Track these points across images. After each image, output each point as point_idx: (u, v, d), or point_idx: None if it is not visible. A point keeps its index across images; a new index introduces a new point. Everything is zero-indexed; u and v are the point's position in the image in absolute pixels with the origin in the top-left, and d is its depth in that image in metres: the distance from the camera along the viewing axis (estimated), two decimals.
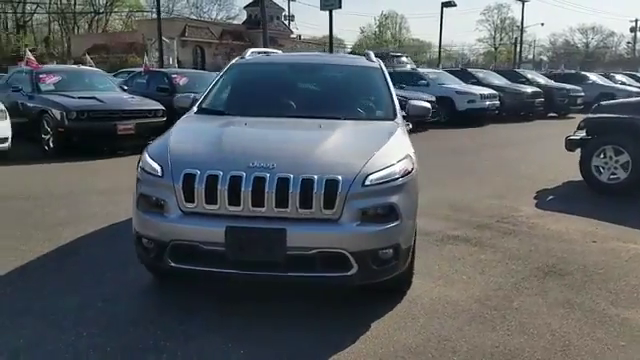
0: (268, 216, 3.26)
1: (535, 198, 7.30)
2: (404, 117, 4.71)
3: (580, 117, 9.47)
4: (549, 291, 4.17)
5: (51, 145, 10.05)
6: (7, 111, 9.53)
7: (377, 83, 4.95)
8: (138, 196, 3.58)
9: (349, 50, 53.82)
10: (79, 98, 10.20)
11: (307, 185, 3.23)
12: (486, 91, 17.64)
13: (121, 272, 4.24)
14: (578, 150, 7.87)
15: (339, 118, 4.30)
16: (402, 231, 3.46)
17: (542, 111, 19.44)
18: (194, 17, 58.11)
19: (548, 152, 10.81)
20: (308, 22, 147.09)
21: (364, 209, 3.32)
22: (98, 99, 10.28)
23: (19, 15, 56.14)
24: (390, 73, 17.44)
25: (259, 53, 5.78)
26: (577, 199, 7.30)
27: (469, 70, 21.47)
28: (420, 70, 20.35)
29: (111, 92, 11.37)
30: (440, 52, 45.60)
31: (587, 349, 3.33)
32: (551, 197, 7.46)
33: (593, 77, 23.80)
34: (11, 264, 4.44)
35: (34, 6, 57.34)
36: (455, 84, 18.04)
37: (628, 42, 75.99)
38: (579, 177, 7.86)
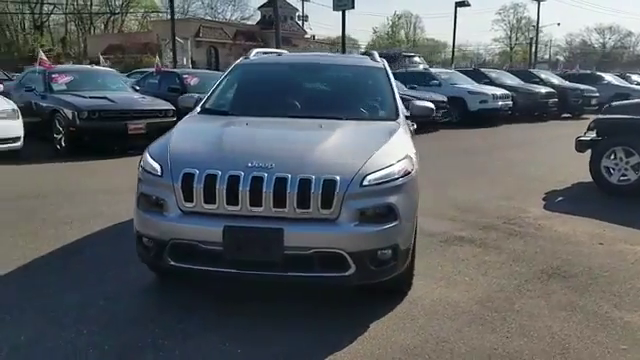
0: (266, 216, 3.27)
1: (544, 199, 7.24)
2: (407, 117, 4.68)
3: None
4: (552, 293, 4.13)
5: (63, 144, 10.15)
6: (20, 111, 9.65)
7: (380, 83, 4.94)
8: (138, 195, 3.61)
9: (362, 50, 53.68)
10: (90, 98, 10.29)
11: (305, 185, 3.24)
12: (499, 91, 17.54)
13: (124, 271, 4.26)
14: (589, 151, 7.79)
15: (341, 118, 4.30)
16: (401, 232, 3.44)
17: (556, 112, 19.28)
18: (209, 18, 58.38)
19: (559, 153, 10.70)
20: (322, 22, 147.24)
21: (362, 209, 3.31)
22: (109, 99, 10.37)
23: (36, 16, 56.75)
24: (402, 73, 17.46)
25: (264, 53, 5.79)
26: (586, 200, 7.22)
27: (482, 70, 21.36)
28: (432, 70, 20.27)
29: (122, 92, 11.47)
30: (454, 52, 45.39)
31: (587, 352, 3.29)
32: (560, 198, 7.39)
33: (608, 77, 23.56)
34: (17, 262, 4.50)
35: (51, 7, 58.02)
36: (467, 84, 17.95)
37: None
38: (589, 178, 7.78)
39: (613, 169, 7.45)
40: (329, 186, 3.25)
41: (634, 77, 25.79)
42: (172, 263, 3.44)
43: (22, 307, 3.67)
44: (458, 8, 42.34)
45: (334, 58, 6.30)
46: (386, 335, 3.42)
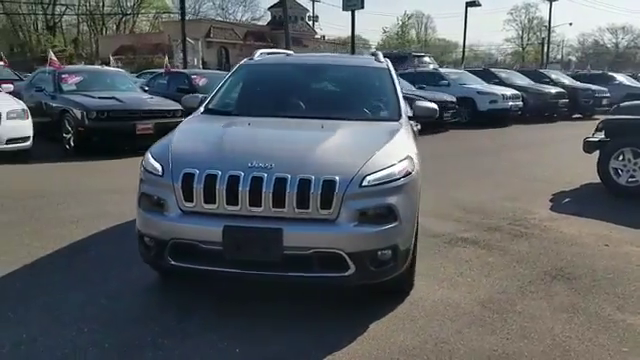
0: (265, 216, 3.28)
1: (550, 201, 7.19)
2: (411, 118, 4.67)
3: None
4: (554, 295, 4.11)
5: (72, 144, 10.22)
6: (30, 111, 9.73)
7: (383, 84, 4.93)
8: (140, 195, 3.63)
9: (373, 50, 53.51)
10: (99, 98, 10.36)
11: (304, 185, 3.24)
12: (508, 91, 17.46)
13: (127, 270, 4.29)
14: (597, 152, 7.73)
15: (343, 118, 4.30)
16: (401, 232, 3.44)
17: (566, 112, 19.16)
18: (220, 18, 58.59)
19: (568, 154, 10.63)
20: (332, 23, 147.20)
21: (361, 210, 3.32)
22: (118, 99, 10.44)
23: (49, 16, 57.30)
24: (411, 73, 17.38)
25: (268, 54, 5.81)
26: (593, 202, 7.17)
27: (492, 70, 21.24)
28: (441, 70, 20.19)
29: (131, 92, 11.53)
30: (464, 52, 45.22)
31: (588, 354, 3.27)
32: (567, 200, 7.34)
33: (620, 78, 23.36)
34: (22, 260, 4.54)
35: (64, 7, 58.55)
36: (477, 84, 17.88)
37: None
38: (597, 180, 7.73)
39: (621, 170, 7.40)
40: (328, 186, 3.25)
41: None
42: (173, 263, 3.46)
43: (26, 305, 3.71)
44: (469, 8, 42.13)
45: (337, 59, 6.29)
46: (385, 335, 3.41)
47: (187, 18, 33.47)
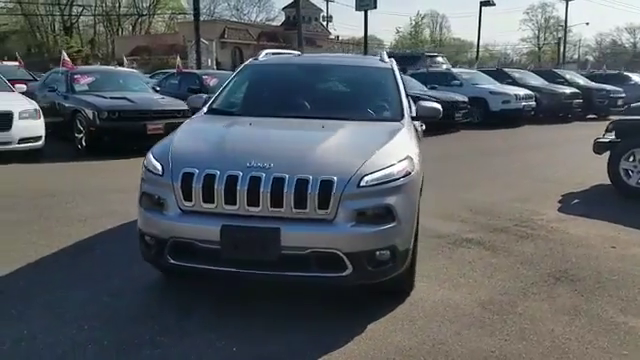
0: (263, 215, 3.29)
1: (559, 202, 7.13)
2: (413, 118, 4.66)
3: None
4: (557, 297, 4.08)
5: (83, 144, 10.33)
6: (43, 110, 9.87)
7: (386, 84, 4.92)
8: (141, 194, 3.67)
9: (388, 50, 53.38)
10: (111, 98, 10.46)
11: (302, 185, 3.25)
12: (521, 91, 17.32)
13: (130, 268, 4.32)
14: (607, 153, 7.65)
15: (344, 119, 4.29)
16: (399, 233, 3.43)
17: (580, 112, 18.96)
18: (234, 19, 58.84)
19: (580, 155, 10.52)
20: (346, 23, 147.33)
21: (359, 210, 3.31)
22: (129, 99, 10.53)
23: (66, 17, 57.96)
24: (423, 73, 17.34)
25: (273, 54, 5.82)
26: (603, 203, 7.10)
27: (505, 70, 21.08)
28: (454, 70, 20.09)
29: (143, 93, 11.62)
30: (478, 52, 44.98)
31: (586, 357, 3.25)
32: (576, 201, 7.27)
33: (636, 78, 23.05)
34: (29, 258, 4.60)
35: (80, 8, 59.20)
36: (489, 84, 17.76)
37: None
38: (608, 181, 7.64)
39: (632, 171, 7.31)
40: (326, 186, 3.26)
41: None
42: (172, 261, 3.49)
43: (28, 302, 3.76)
44: (484, 7, 41.90)
45: (341, 59, 6.29)
46: (383, 336, 3.41)
47: (202, 19, 33.61)
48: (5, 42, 53.78)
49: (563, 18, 53.10)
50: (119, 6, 61.91)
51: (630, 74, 24.41)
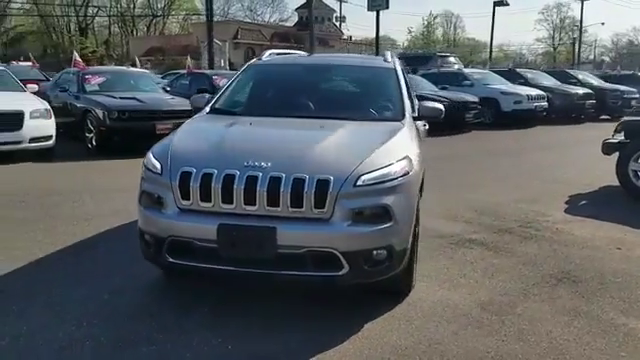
0: (260, 214, 3.31)
1: (566, 203, 7.07)
2: (415, 118, 4.65)
3: None
4: (557, 298, 4.05)
5: (94, 143, 10.42)
6: (55, 110, 10.00)
7: (388, 84, 4.91)
8: (141, 193, 3.70)
9: (401, 50, 53.28)
10: (121, 98, 10.55)
11: (298, 184, 3.26)
12: (533, 92, 17.19)
13: (131, 266, 4.35)
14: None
15: (345, 118, 4.29)
16: (396, 232, 3.43)
17: (593, 113, 18.77)
18: (248, 20, 59.07)
19: (590, 155, 10.38)
20: (359, 23, 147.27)
21: (356, 209, 3.32)
22: (139, 99, 10.61)
23: (81, 18, 58.55)
24: (434, 73, 17.29)
25: (278, 54, 5.85)
26: (611, 204, 7.04)
27: (517, 70, 20.92)
28: (465, 70, 20.00)
29: (153, 93, 11.70)
30: (491, 52, 44.70)
31: (584, 358, 3.23)
32: (583, 202, 7.21)
33: None
34: (33, 255, 4.66)
35: (96, 9, 59.79)
36: (501, 84, 17.64)
37: None
38: (617, 182, 7.56)
39: None
40: (322, 186, 3.26)
41: None
42: (170, 260, 3.51)
43: (29, 299, 3.81)
44: (498, 7, 41.64)
45: (344, 59, 6.29)
46: (379, 335, 3.41)
47: (216, 20, 33.80)
48: (22, 43, 54.49)
49: (579, 18, 52.64)
50: (134, 7, 62.45)
51: None
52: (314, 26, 29.54)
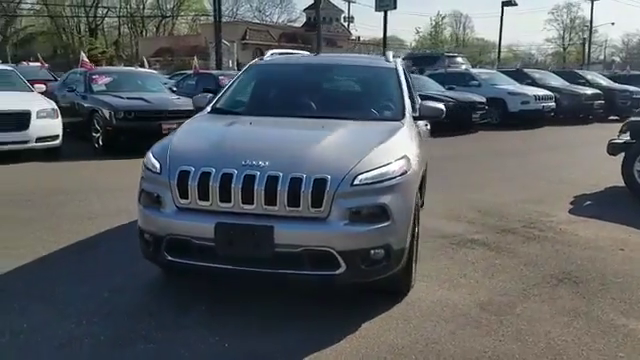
0: (257, 213, 3.32)
1: (571, 203, 7.04)
2: (415, 118, 4.64)
3: None
4: (558, 299, 4.04)
5: (100, 143, 10.49)
6: (62, 110, 10.08)
7: (389, 84, 4.91)
8: (140, 192, 3.73)
9: (409, 50, 53.19)
10: (127, 98, 10.61)
11: (295, 183, 3.28)
12: (541, 92, 17.10)
13: (133, 265, 4.36)
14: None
15: (345, 118, 4.31)
16: (393, 232, 3.44)
17: (602, 114, 18.64)
18: (256, 21, 59.17)
19: (597, 156, 10.28)
20: (368, 23, 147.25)
21: (352, 208, 3.33)
22: (145, 99, 10.66)
23: (91, 19, 58.88)
24: (441, 74, 17.24)
25: (280, 54, 5.87)
26: (616, 205, 7.00)
27: (524, 70, 20.79)
28: (472, 71, 19.94)
29: (159, 93, 11.75)
30: (499, 52, 44.50)
31: (581, 359, 3.21)
32: (588, 202, 7.18)
33: None
34: (36, 254, 4.70)
35: (105, 10, 60.13)
36: (508, 85, 17.56)
37: None
38: (623, 182, 7.53)
39: None
40: (319, 185, 3.28)
41: None
42: (169, 258, 3.54)
43: (31, 296, 3.85)
44: (507, 7, 41.45)
45: (346, 59, 6.31)
46: (376, 334, 3.41)
47: (225, 20, 33.87)
48: (32, 43, 54.89)
49: (589, 18, 52.30)
50: (143, 8, 62.74)
51: None
52: (322, 26, 29.55)
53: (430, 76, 17.58)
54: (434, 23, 65.51)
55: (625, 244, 5.33)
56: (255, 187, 3.29)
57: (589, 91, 18.60)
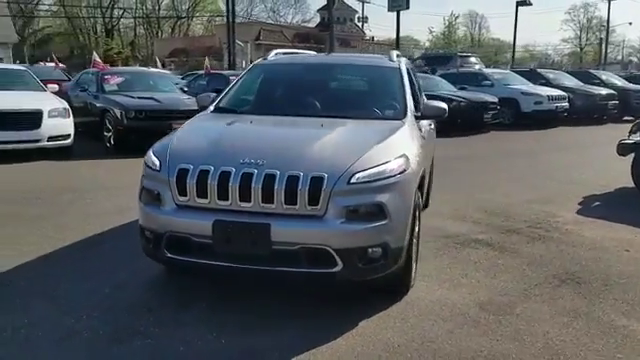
0: (254, 211, 3.35)
1: (579, 204, 6.98)
2: (418, 117, 4.64)
3: None
4: (559, 299, 4.01)
5: (112, 142, 10.60)
6: (75, 110, 10.21)
7: (391, 83, 4.90)
8: (141, 189, 3.77)
9: (423, 50, 52.98)
10: (138, 98, 10.72)
11: (292, 182, 3.29)
12: (554, 92, 16.96)
13: (135, 262, 4.40)
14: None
15: (346, 117, 4.32)
16: (391, 230, 3.44)
17: (616, 114, 18.42)
18: (271, 21, 59.33)
19: (609, 156, 10.15)
20: (381, 23, 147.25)
21: (350, 207, 3.33)
22: (156, 99, 10.75)
23: (107, 20, 59.45)
24: (453, 74, 17.19)
25: (284, 54, 5.89)
26: (624, 206, 6.93)
27: (538, 70, 20.66)
28: (485, 70, 19.83)
29: (170, 93, 11.85)
30: (514, 52, 44.18)
31: (579, 359, 3.18)
32: (597, 203, 7.11)
33: None
34: (42, 251, 4.77)
35: (121, 11, 60.66)
36: (521, 85, 17.44)
37: None
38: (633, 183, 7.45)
39: None
40: (316, 183, 3.29)
41: None
42: (169, 255, 3.57)
43: (34, 292, 3.91)
44: (523, 7, 41.09)
45: (350, 59, 6.33)
46: (373, 333, 3.42)
47: (238, 21, 34.01)
48: (49, 44, 55.51)
49: (606, 18, 51.75)
50: (159, 9, 63.25)
51: None
52: (336, 27, 29.57)
53: (442, 76, 17.51)
54: (447, 23, 65.16)
55: (631, 245, 5.28)
56: (252, 185, 3.31)
57: (603, 91, 18.41)
